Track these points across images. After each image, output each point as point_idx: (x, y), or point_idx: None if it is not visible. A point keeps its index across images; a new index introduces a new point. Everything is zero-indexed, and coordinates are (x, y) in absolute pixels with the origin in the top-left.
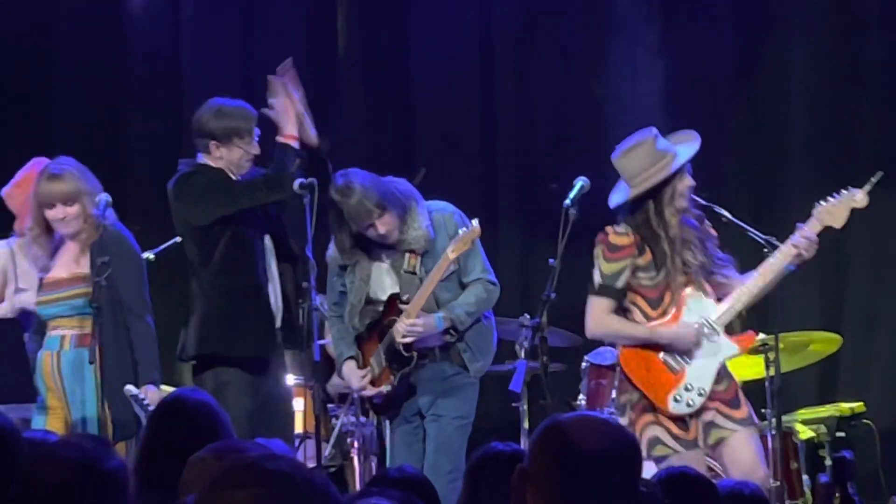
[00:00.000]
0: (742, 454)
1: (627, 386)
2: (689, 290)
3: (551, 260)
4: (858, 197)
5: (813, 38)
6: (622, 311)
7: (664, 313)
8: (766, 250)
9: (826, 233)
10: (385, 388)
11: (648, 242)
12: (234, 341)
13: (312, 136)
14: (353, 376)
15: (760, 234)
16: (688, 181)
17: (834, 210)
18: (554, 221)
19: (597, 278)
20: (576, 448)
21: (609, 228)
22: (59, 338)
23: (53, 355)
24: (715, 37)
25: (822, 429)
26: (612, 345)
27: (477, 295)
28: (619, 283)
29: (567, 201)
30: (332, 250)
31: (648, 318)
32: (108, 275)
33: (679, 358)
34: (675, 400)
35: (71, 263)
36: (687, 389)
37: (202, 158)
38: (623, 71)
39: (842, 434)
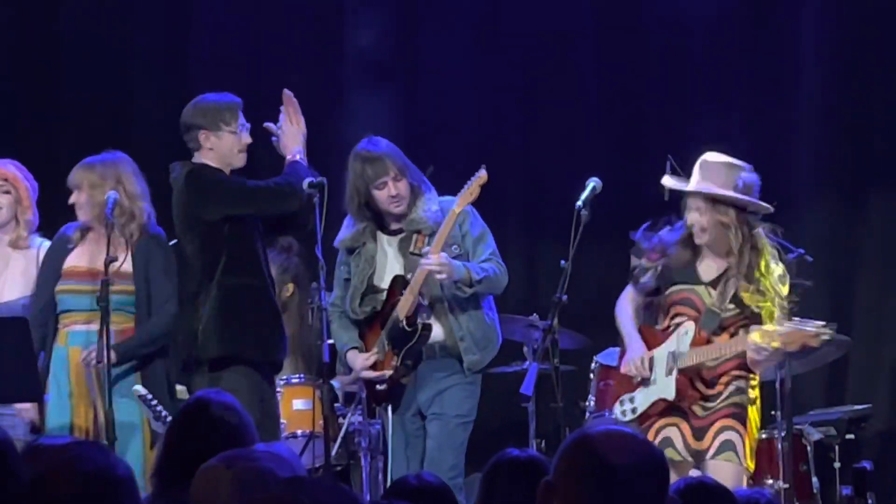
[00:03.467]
0: None
1: None
2: (689, 324)
3: (563, 261)
4: (813, 342)
5: (822, 42)
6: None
7: (665, 329)
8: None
9: (836, 236)
10: (388, 372)
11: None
12: (248, 345)
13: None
14: (356, 359)
15: (772, 237)
16: (689, 218)
17: (791, 334)
18: (562, 220)
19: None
20: (604, 463)
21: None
22: (86, 332)
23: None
24: (722, 44)
25: (832, 431)
26: None
27: (491, 266)
28: (644, 278)
29: (579, 202)
30: (341, 234)
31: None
32: (139, 275)
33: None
34: (620, 403)
35: (94, 256)
36: (630, 401)
37: (198, 158)
38: (622, 75)
39: (851, 436)
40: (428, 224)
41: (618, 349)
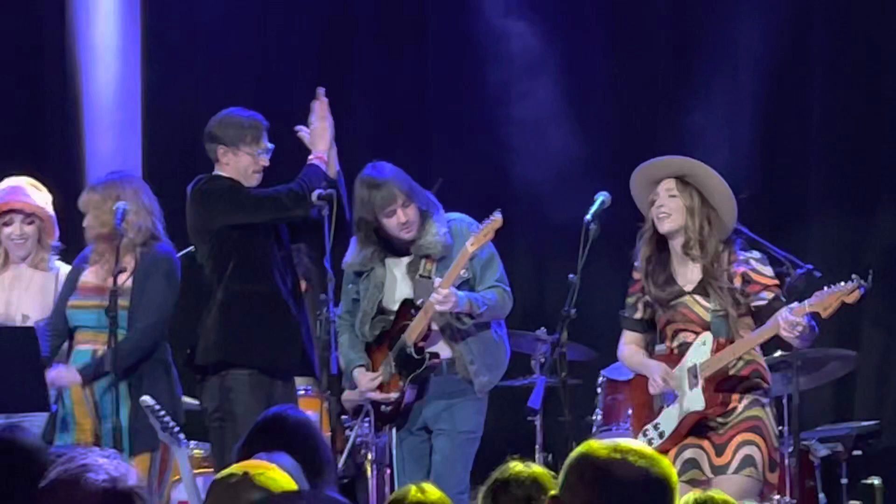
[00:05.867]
0: None
1: None
2: (704, 334)
3: (571, 276)
4: (850, 298)
5: (833, 54)
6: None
7: (669, 349)
8: (785, 267)
9: (843, 251)
10: (394, 395)
11: None
12: (249, 350)
13: (335, 167)
14: (362, 378)
15: (780, 252)
16: (656, 204)
17: (826, 300)
18: (570, 234)
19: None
20: (611, 477)
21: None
22: (91, 352)
23: None
24: (733, 55)
25: (839, 447)
26: None
27: (495, 295)
28: (635, 315)
29: (587, 216)
30: (349, 256)
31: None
32: (132, 288)
33: (662, 397)
34: (644, 433)
35: (103, 273)
36: (655, 427)
37: (216, 170)
38: (631, 89)
39: (858, 452)
40: (437, 248)
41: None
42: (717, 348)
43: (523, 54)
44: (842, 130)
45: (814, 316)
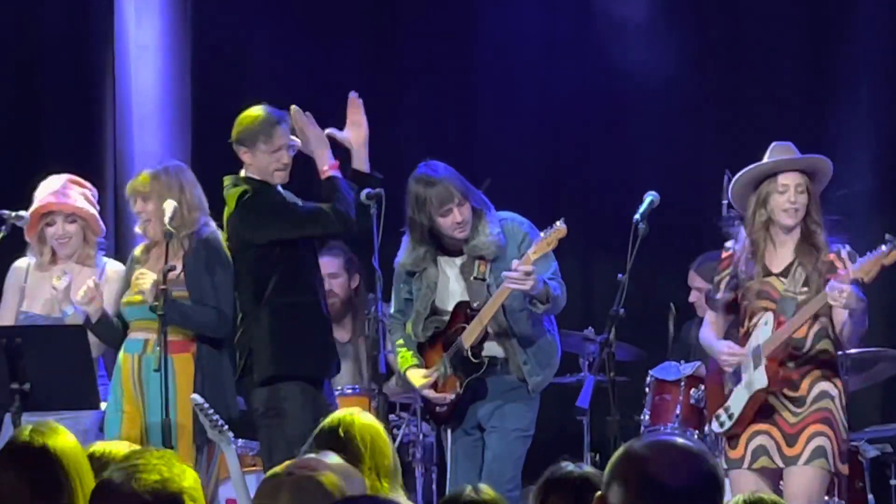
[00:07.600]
0: (788, 492)
1: None
2: (766, 314)
3: (620, 275)
4: (889, 260)
5: (884, 52)
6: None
7: (746, 329)
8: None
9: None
10: (450, 396)
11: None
12: (299, 363)
13: (366, 170)
14: (416, 377)
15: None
16: (785, 198)
17: (866, 265)
18: (618, 232)
19: None
20: (656, 479)
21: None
22: (143, 341)
23: (134, 358)
24: (781, 58)
25: (888, 448)
26: (685, 359)
27: (556, 285)
28: (718, 295)
29: (636, 216)
30: (401, 255)
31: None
32: (192, 281)
33: (731, 379)
34: (716, 418)
35: (156, 268)
36: (725, 410)
37: (244, 171)
38: (680, 88)
39: None
40: (490, 249)
41: (672, 363)
42: (778, 326)
43: (572, 52)
44: (890, 127)
45: (860, 286)
